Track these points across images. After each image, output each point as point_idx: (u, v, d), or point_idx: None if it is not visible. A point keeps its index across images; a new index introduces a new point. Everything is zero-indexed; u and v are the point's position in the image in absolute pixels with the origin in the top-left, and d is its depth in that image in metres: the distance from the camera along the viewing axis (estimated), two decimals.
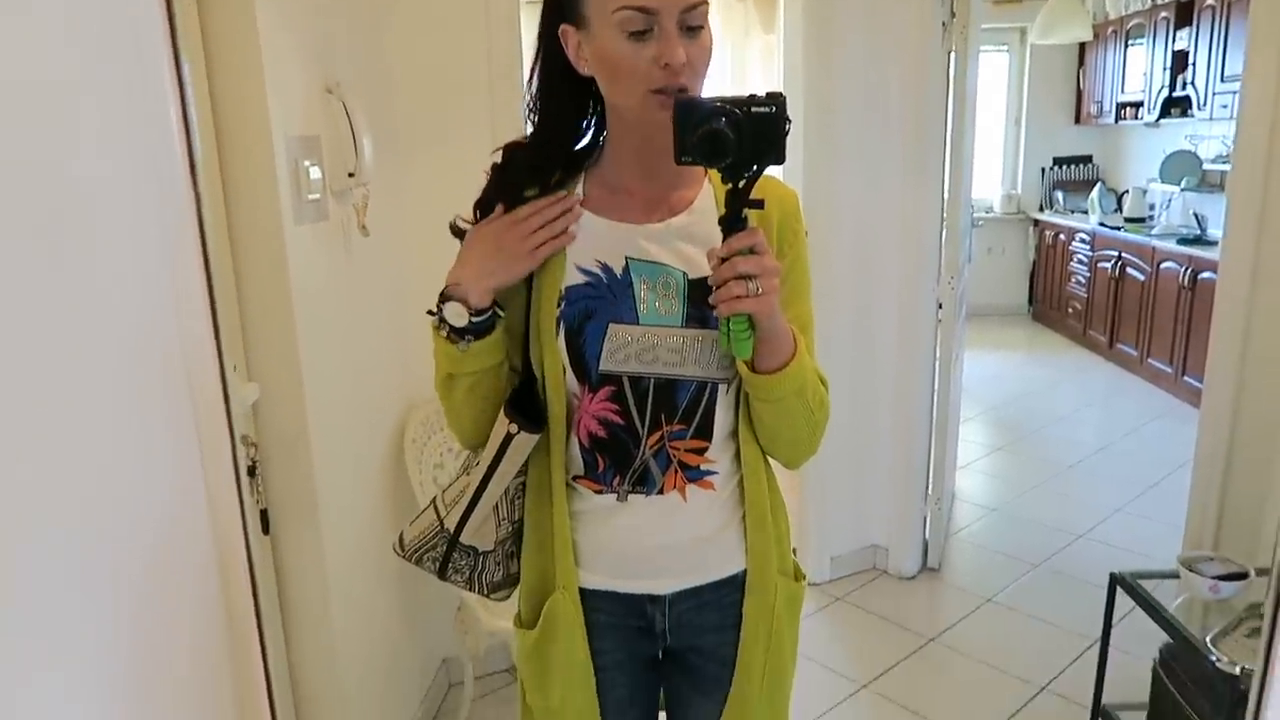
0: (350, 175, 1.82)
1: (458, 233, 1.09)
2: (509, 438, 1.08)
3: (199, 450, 0.69)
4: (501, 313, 1.06)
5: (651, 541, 1.11)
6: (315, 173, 1.69)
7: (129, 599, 0.81)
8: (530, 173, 1.08)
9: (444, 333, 1.04)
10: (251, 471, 1.57)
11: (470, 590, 1.21)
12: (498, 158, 1.10)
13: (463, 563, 1.18)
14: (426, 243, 2.20)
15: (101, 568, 0.78)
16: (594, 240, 1.07)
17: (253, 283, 1.59)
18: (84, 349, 0.77)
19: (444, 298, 1.04)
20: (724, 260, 0.93)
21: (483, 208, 1.08)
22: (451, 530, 1.15)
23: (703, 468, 1.10)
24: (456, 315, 1.02)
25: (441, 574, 1.19)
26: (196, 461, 0.70)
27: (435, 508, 1.18)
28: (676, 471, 1.09)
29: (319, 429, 1.69)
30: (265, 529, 1.61)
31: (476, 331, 1.04)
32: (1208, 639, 1.78)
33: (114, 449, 0.81)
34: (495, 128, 2.24)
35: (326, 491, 1.74)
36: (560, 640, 1.12)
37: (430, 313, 1.06)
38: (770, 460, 1.16)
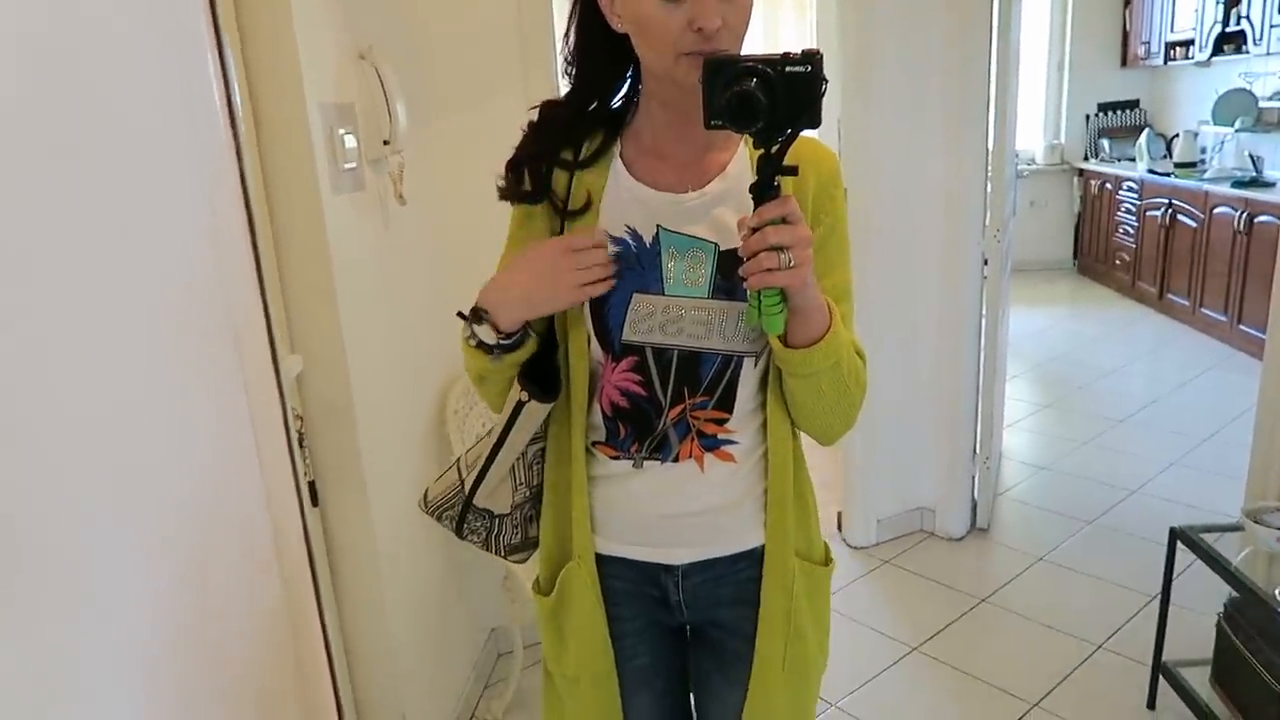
0: (385, 143, 1.80)
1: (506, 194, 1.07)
2: (520, 406, 1.06)
3: (250, 420, 0.68)
4: (532, 331, 1.06)
5: (664, 509, 1.09)
6: (350, 141, 1.67)
7: (182, 567, 0.81)
8: (568, 131, 1.05)
9: (473, 343, 1.03)
10: (300, 443, 1.57)
11: (487, 551, 1.20)
12: (534, 115, 1.07)
13: (478, 524, 1.17)
14: (463, 210, 2.20)
15: (154, 536, 0.78)
16: (627, 206, 1.03)
17: (293, 255, 1.58)
18: (132, 311, 0.76)
19: (476, 315, 1.02)
20: (754, 230, 0.88)
21: (515, 167, 1.05)
22: (466, 493, 1.15)
23: (720, 437, 1.07)
24: (487, 335, 1.02)
25: (459, 533, 1.18)
26: (248, 431, 0.69)
27: (458, 468, 1.18)
28: (694, 440, 1.06)
29: (363, 400, 1.69)
30: (314, 501, 1.62)
31: (507, 349, 1.03)
32: (1276, 591, 1.73)
33: (166, 416, 0.81)
34: (528, 90, 2.20)
35: (372, 463, 1.74)
36: (574, 608, 1.11)
37: (461, 315, 1.04)
38: (801, 438, 1.12)
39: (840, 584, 2.86)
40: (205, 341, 0.84)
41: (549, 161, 1.04)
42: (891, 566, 2.97)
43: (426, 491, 1.20)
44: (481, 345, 1.02)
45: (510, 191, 1.06)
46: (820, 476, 3.70)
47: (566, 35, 1.06)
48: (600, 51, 1.03)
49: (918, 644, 2.52)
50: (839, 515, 3.15)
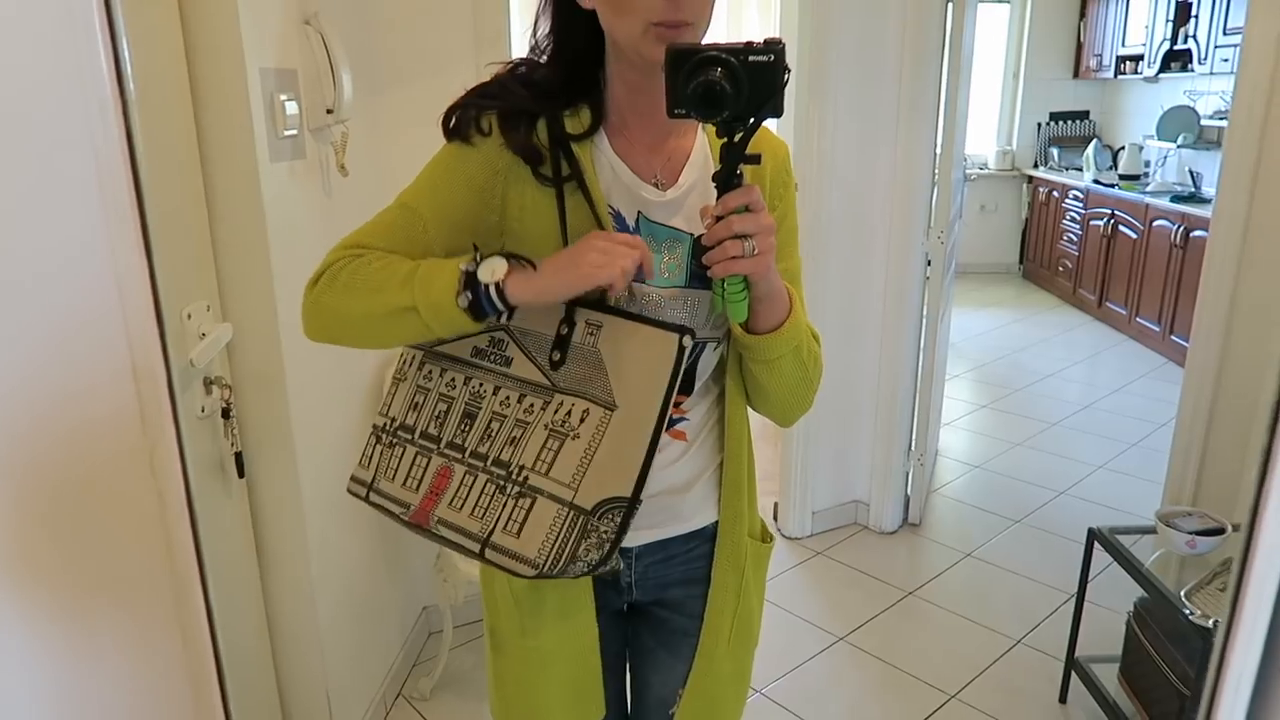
0: (329, 112, 1.77)
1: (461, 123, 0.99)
2: (682, 350, 0.93)
3: (135, 390, 0.66)
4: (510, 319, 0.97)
5: None
6: (292, 108, 1.64)
7: (58, 537, 0.79)
8: (551, 99, 1.00)
9: (458, 283, 0.90)
10: (226, 414, 1.54)
11: (616, 569, 1.05)
12: (498, 69, 1.03)
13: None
14: (404, 183, 2.16)
15: (35, 507, 0.76)
16: (612, 186, 1.01)
17: (226, 221, 1.55)
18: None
19: (493, 255, 0.91)
20: (718, 219, 0.88)
21: (509, 117, 0.98)
22: (631, 493, 0.92)
23: (675, 416, 1.08)
24: (490, 273, 0.89)
25: (606, 559, 0.92)
26: (132, 398, 0.66)
27: (544, 494, 0.95)
28: None
29: (295, 371, 1.67)
30: (240, 472, 1.59)
31: (481, 310, 0.91)
32: (1182, 593, 1.80)
33: (39, 382, 0.79)
34: (480, 65, 2.17)
35: (303, 435, 1.72)
36: (562, 585, 1.09)
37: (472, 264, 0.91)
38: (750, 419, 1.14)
39: (773, 573, 2.89)
40: (88, 298, 0.81)
41: (548, 121, 0.99)
42: (824, 558, 3.02)
43: (511, 553, 0.93)
44: (469, 288, 0.89)
45: (464, 128, 0.99)
46: (759, 468, 3.75)
47: (535, 23, 1.04)
48: (575, 33, 1.00)
49: (845, 634, 2.57)
50: (775, 506, 3.19)
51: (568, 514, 0.92)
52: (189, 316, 1.44)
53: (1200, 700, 0.54)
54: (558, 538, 0.91)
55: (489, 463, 0.98)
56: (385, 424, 1.09)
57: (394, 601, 2.34)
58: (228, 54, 1.46)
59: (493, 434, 0.99)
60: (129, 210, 0.56)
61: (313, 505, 1.77)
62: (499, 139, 0.98)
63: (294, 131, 1.66)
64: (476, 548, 0.95)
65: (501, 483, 0.96)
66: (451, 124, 1.00)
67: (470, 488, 0.98)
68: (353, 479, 1.09)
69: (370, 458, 1.09)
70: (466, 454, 1.00)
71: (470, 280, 0.90)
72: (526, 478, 0.95)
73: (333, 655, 1.88)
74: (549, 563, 0.91)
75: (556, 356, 0.97)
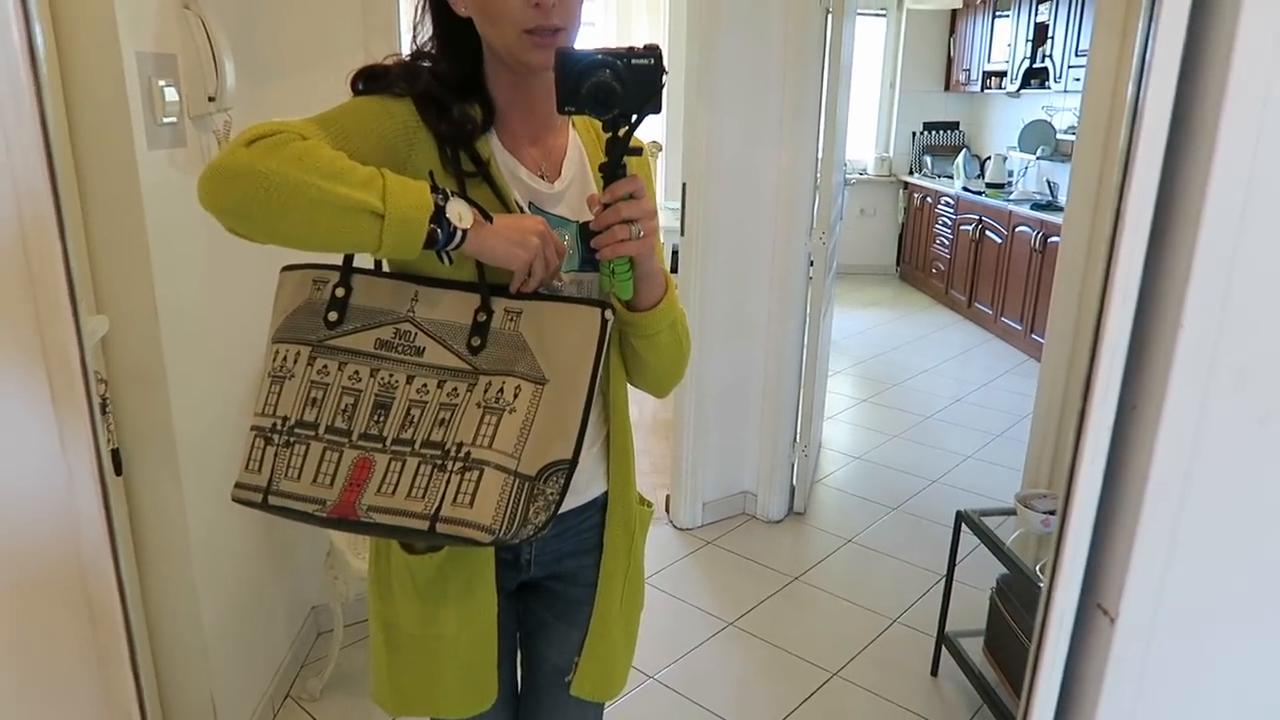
0: (211, 99, 1.73)
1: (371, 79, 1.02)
2: (605, 324, 1.00)
3: (49, 390, 0.64)
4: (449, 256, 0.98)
5: None
6: (171, 94, 1.59)
7: None
8: (454, 93, 1.03)
9: (428, 205, 0.91)
10: (102, 409, 1.48)
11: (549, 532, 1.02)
12: (396, 60, 1.06)
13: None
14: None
15: None
16: (508, 177, 1.06)
17: (101, 210, 1.49)
18: None
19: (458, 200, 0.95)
20: (606, 206, 0.95)
21: (374, 78, 1.02)
22: (571, 455, 0.99)
23: None
24: (457, 216, 0.93)
25: (550, 521, 0.98)
26: (46, 401, 0.65)
27: (490, 465, 0.97)
28: None
29: (176, 364, 1.62)
30: (118, 470, 1.54)
31: (443, 246, 0.93)
32: (1038, 567, 1.95)
33: None
34: (370, 54, 2.15)
35: (186, 430, 1.67)
36: (466, 565, 1.10)
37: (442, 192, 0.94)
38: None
39: (665, 563, 2.97)
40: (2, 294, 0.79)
41: (457, 111, 1.02)
42: (714, 547, 3.11)
43: (467, 522, 0.96)
44: (438, 219, 0.91)
45: (379, 82, 1.01)
46: (651, 460, 3.78)
47: (414, 31, 1.08)
48: (458, 38, 1.04)
49: (733, 619, 2.66)
50: (666, 498, 3.27)
51: (514, 481, 0.97)
52: None
53: (1032, 642, 0.61)
54: (508, 503, 0.96)
55: (418, 446, 0.99)
56: (275, 424, 1.04)
57: (282, 600, 2.28)
58: (101, 36, 1.41)
59: (414, 420, 1.00)
60: (48, 212, 0.56)
61: (196, 503, 1.72)
62: (412, 112, 1.01)
63: (174, 119, 1.62)
64: (424, 525, 0.97)
65: (439, 461, 0.98)
66: (367, 81, 1.02)
67: (400, 473, 0.99)
68: (239, 485, 1.04)
69: (260, 461, 1.03)
70: (388, 443, 1.00)
71: (438, 213, 0.92)
72: (469, 453, 0.98)
73: (217, 656, 1.83)
74: (504, 527, 0.96)
75: (476, 342, 1.00)
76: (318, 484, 1.01)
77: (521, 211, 1.05)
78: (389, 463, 1.00)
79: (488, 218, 0.96)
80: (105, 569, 0.84)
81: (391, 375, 1.02)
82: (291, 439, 1.03)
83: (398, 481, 0.99)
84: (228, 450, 1.87)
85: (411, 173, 0.98)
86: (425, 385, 1.01)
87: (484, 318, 1.01)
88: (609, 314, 1.00)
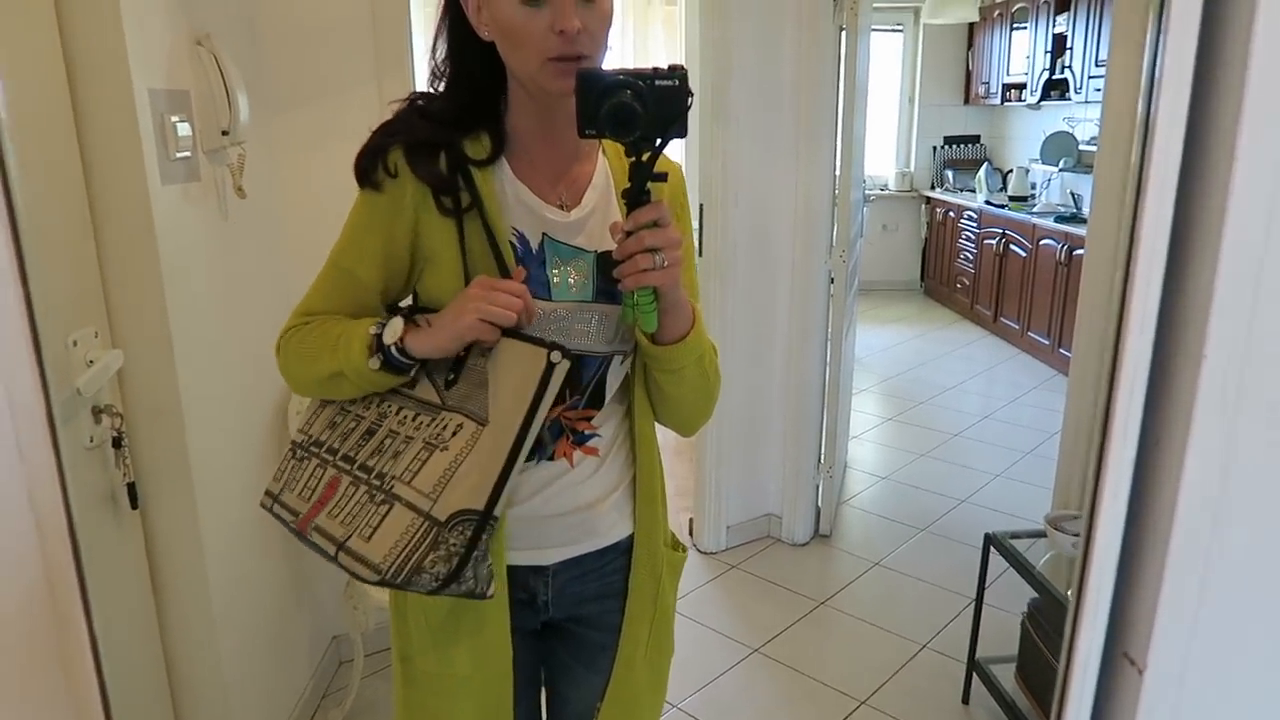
0: (224, 133, 1.74)
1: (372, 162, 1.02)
2: (551, 367, 0.95)
3: (12, 428, 0.63)
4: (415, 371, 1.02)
5: (539, 510, 1.09)
6: (184, 129, 1.60)
7: None
8: (455, 127, 1.03)
9: (368, 347, 0.99)
10: (117, 443, 1.49)
11: (475, 592, 0.96)
12: (398, 106, 1.05)
13: (483, 547, 0.95)
14: (309, 205, 2.14)
15: None
16: (514, 209, 1.04)
17: (115, 245, 1.50)
18: None
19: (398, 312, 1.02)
20: (629, 234, 0.92)
21: (387, 132, 1.02)
22: (484, 506, 0.94)
23: (587, 432, 1.10)
24: (391, 334, 0.98)
25: (455, 575, 0.93)
26: (10, 439, 0.63)
27: (401, 501, 0.97)
28: (567, 437, 1.09)
29: (192, 397, 1.62)
30: (134, 503, 1.53)
31: (395, 366, 1.00)
32: (1069, 592, 1.89)
33: None
34: (381, 88, 2.16)
35: (202, 463, 1.66)
36: (478, 606, 1.07)
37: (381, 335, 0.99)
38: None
39: (688, 588, 2.93)
40: None
41: (447, 150, 1.01)
42: (738, 571, 3.07)
43: (362, 560, 0.96)
44: (381, 352, 0.98)
45: (372, 173, 1.01)
46: (674, 483, 3.75)
47: (433, 47, 1.06)
48: (474, 60, 1.03)
49: (758, 645, 2.62)
50: (690, 521, 3.23)
51: (422, 524, 0.94)
52: (74, 343, 1.39)
53: (1056, 687, 0.58)
54: (406, 546, 0.94)
55: (371, 475, 1.01)
56: (303, 440, 1.12)
57: (302, 631, 2.27)
58: (113, 74, 1.42)
59: (384, 449, 1.02)
60: (1, 233, 0.55)
61: (214, 535, 1.71)
62: (407, 173, 1.01)
63: (187, 153, 1.63)
64: (332, 551, 0.98)
65: (373, 492, 0.99)
66: (362, 171, 1.03)
67: (350, 498, 1.01)
68: (265, 492, 1.12)
69: (283, 472, 1.12)
70: (355, 466, 1.03)
71: (378, 342, 0.98)
72: (392, 486, 0.98)
73: (237, 688, 1.82)
74: (392, 570, 0.93)
75: (451, 377, 1.01)
76: (301, 497, 1.06)
77: (512, 246, 1.02)
78: (348, 485, 1.02)
79: (426, 317, 1.00)
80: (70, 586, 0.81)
81: (389, 404, 1.05)
82: (305, 455, 1.10)
83: (345, 506, 1.01)
84: (244, 482, 1.87)
85: (424, 239, 1.03)
86: (405, 416, 1.03)
87: (463, 353, 1.01)
88: (555, 355, 0.95)
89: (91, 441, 1.44)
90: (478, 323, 0.94)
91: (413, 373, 1.01)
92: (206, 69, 1.69)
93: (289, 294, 1.10)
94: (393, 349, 0.98)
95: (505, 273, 1.00)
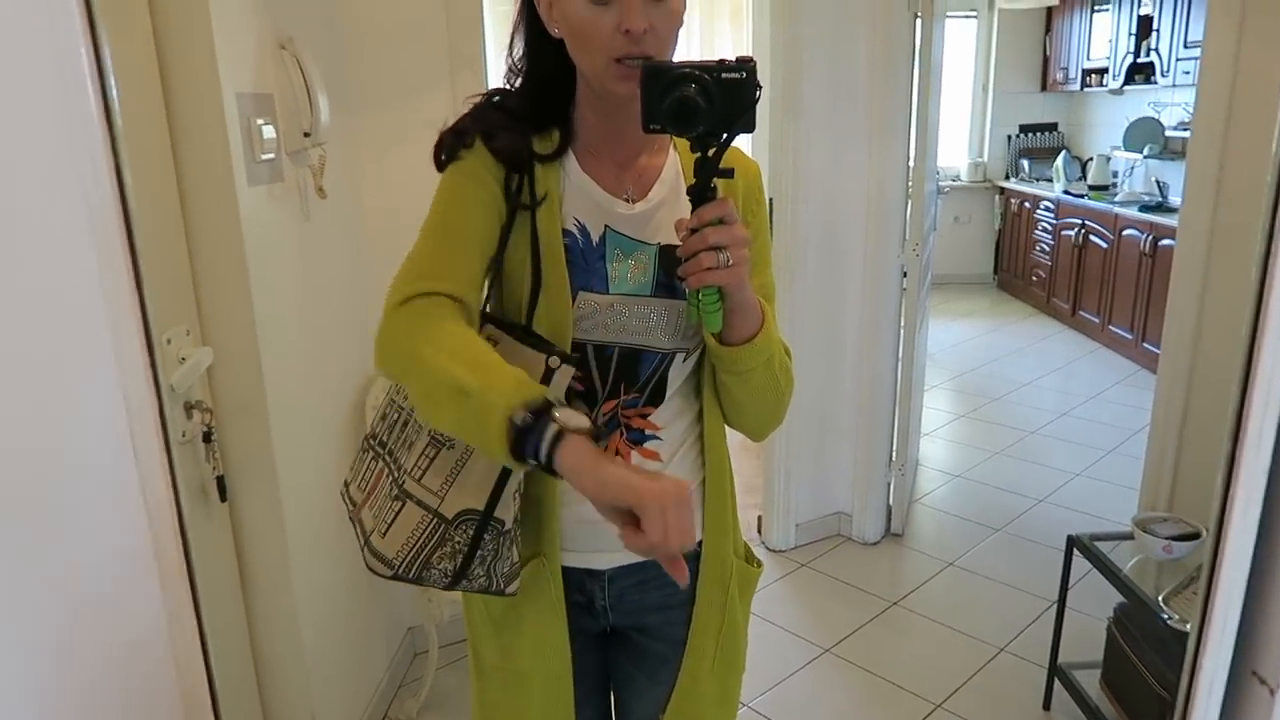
0: (306, 135, 1.78)
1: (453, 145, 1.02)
2: (550, 371, 0.93)
3: (126, 416, 0.65)
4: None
5: (591, 513, 0.97)
6: (269, 132, 1.64)
7: (50, 572, 0.79)
8: (524, 124, 1.04)
9: (514, 434, 0.82)
10: (207, 438, 1.53)
11: (490, 589, 0.99)
12: (478, 100, 1.06)
13: (490, 546, 0.97)
14: (387, 204, 2.18)
15: (15, 539, 0.75)
16: (577, 201, 1.04)
17: (205, 245, 1.55)
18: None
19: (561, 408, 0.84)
20: (693, 231, 0.90)
21: (491, 134, 1.02)
22: (483, 508, 0.95)
23: (647, 433, 1.08)
24: (575, 419, 0.83)
25: (462, 573, 0.95)
26: (124, 427, 0.66)
27: (412, 499, 0.98)
28: (621, 434, 1.06)
29: (276, 394, 1.67)
30: (222, 496, 1.58)
31: (540, 462, 0.84)
32: (1160, 598, 1.82)
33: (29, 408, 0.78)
34: (455, 88, 2.19)
35: (285, 458, 1.71)
36: (536, 604, 1.08)
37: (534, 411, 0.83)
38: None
39: (758, 586, 2.90)
40: (79, 331, 0.81)
41: (523, 141, 1.02)
42: (808, 570, 3.03)
43: (375, 553, 1.00)
44: (527, 438, 0.83)
45: (454, 151, 1.01)
46: (742, 480, 3.76)
47: (510, 44, 1.07)
48: (545, 58, 1.04)
49: (830, 645, 2.58)
50: (759, 519, 3.20)
51: (431, 520, 0.97)
52: (169, 341, 1.44)
53: (1177, 704, 0.55)
54: (416, 542, 0.97)
55: (394, 465, 1.04)
56: (369, 432, 1.14)
57: (379, 622, 2.32)
58: (204, 80, 1.47)
59: (404, 439, 1.05)
60: (118, 239, 0.57)
61: (296, 527, 1.76)
62: (484, 152, 1.01)
63: (271, 155, 1.67)
64: (361, 543, 1.02)
65: (392, 487, 1.02)
66: (443, 154, 1.03)
67: (383, 492, 1.04)
68: (344, 481, 1.15)
69: (356, 466, 1.14)
70: (392, 457, 1.05)
71: (532, 422, 0.82)
72: (404, 482, 1.00)
73: (317, 677, 1.87)
74: (403, 565, 0.96)
75: None
76: (359, 488, 1.09)
77: (572, 237, 1.02)
78: (385, 478, 1.05)
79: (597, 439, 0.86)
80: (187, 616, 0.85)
81: None
82: (367, 446, 1.12)
83: (379, 499, 1.04)
84: (325, 478, 1.91)
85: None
86: None
87: None
88: (554, 361, 0.93)
89: (184, 436, 1.49)
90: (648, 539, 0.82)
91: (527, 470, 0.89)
92: (289, 72, 1.73)
93: (368, 292, 1.11)
94: (543, 445, 0.82)
95: (544, 270, 1.00)
